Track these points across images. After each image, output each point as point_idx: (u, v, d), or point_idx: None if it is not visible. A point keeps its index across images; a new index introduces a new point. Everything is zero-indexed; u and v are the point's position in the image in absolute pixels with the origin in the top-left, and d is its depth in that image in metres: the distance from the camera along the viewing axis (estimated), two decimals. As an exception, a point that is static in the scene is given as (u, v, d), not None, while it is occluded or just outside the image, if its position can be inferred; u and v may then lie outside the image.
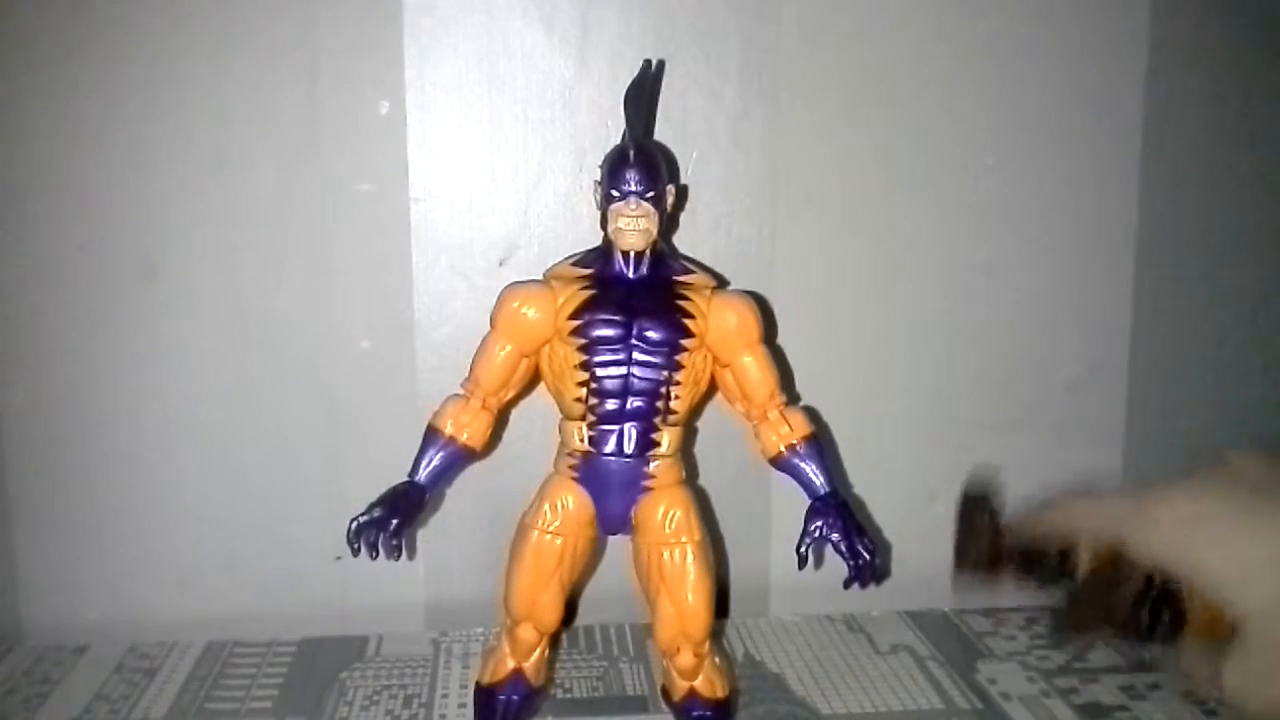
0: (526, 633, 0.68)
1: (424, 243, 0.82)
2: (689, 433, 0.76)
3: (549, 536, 0.67)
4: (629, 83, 0.70)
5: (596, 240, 0.69)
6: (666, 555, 0.67)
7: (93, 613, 0.84)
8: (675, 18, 0.81)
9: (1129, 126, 0.87)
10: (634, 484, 0.67)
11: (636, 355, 0.66)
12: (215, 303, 0.82)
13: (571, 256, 0.69)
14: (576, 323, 0.66)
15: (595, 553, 0.73)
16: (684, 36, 0.81)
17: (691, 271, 0.69)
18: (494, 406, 0.69)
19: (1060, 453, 0.91)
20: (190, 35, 0.78)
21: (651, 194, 0.66)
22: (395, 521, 0.66)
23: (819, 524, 0.67)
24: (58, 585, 0.84)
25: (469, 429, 0.69)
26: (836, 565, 0.67)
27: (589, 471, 0.67)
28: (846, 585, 0.67)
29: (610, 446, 0.67)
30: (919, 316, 0.88)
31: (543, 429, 0.72)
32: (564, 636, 0.82)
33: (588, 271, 0.68)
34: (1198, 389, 0.92)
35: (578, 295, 0.66)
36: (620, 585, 0.74)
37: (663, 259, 0.68)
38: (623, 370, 0.66)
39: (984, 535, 0.63)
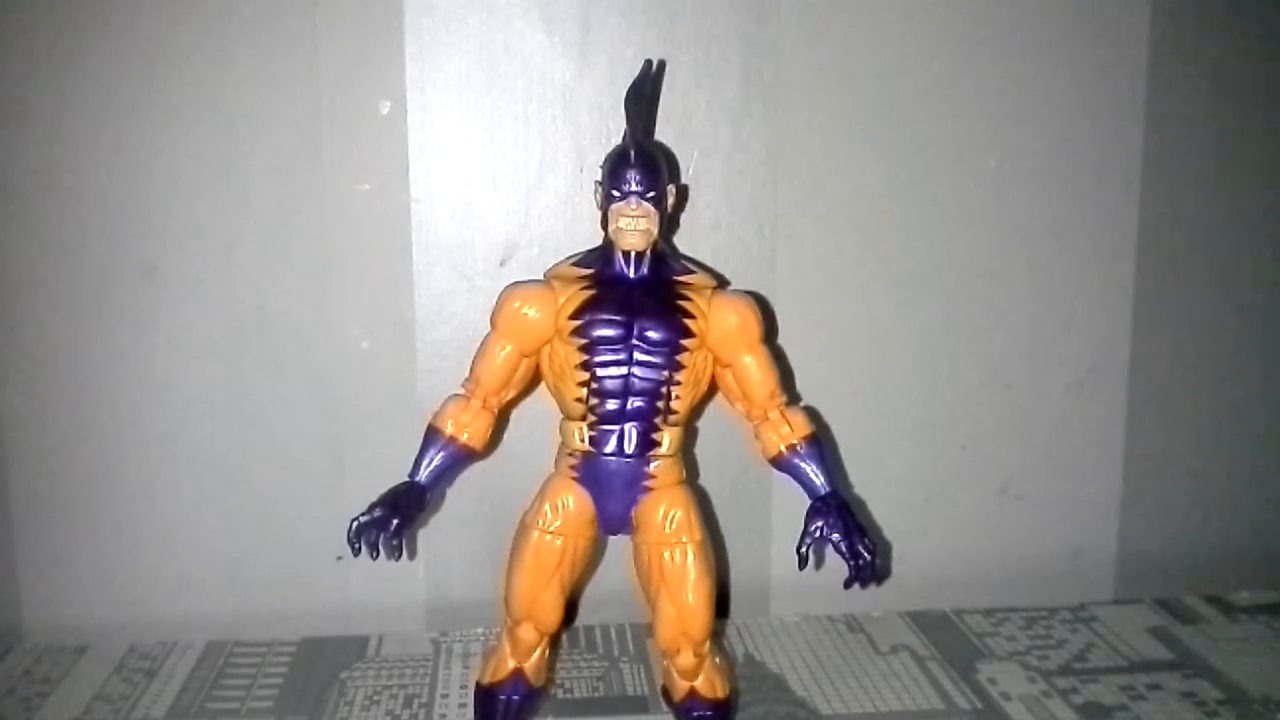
0: (527, 633, 0.68)
1: (424, 243, 0.82)
2: (689, 433, 0.76)
3: (549, 536, 0.67)
4: (629, 83, 0.70)
5: (597, 240, 0.69)
6: (667, 555, 0.67)
7: (93, 613, 0.84)
8: (676, 18, 0.81)
9: (1130, 126, 0.87)
10: (634, 484, 0.67)
11: (637, 355, 0.66)
12: (215, 303, 0.82)
13: (572, 256, 0.69)
14: (577, 323, 0.66)
15: (595, 553, 0.73)
16: (684, 36, 0.81)
17: (692, 271, 0.69)
18: (494, 406, 0.69)
19: (1061, 453, 0.91)
20: (191, 34, 0.78)
21: (652, 194, 0.66)
22: (396, 521, 0.66)
23: (819, 524, 0.67)
24: (58, 585, 0.84)
25: (469, 429, 0.69)
26: (837, 565, 0.67)
27: (589, 471, 0.67)
28: (847, 585, 0.66)
29: (611, 446, 0.66)
30: (919, 316, 0.88)
31: (543, 429, 0.72)
32: (564, 636, 0.82)
33: (588, 271, 0.67)
34: (1198, 389, 0.92)
35: (578, 295, 0.66)
36: (620, 585, 0.74)
37: (663, 259, 0.68)
38: (623, 370, 0.66)
39: None
